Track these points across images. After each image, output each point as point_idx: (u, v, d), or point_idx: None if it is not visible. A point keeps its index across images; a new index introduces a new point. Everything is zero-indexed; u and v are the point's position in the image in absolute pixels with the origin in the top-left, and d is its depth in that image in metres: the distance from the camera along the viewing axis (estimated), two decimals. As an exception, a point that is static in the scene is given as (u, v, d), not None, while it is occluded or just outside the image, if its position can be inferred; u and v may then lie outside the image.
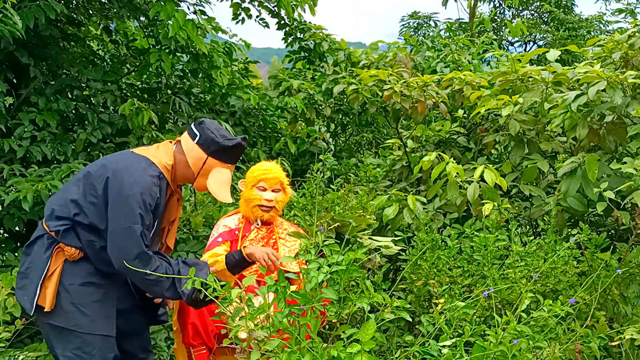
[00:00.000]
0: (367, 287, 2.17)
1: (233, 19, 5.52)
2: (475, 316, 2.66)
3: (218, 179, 2.49)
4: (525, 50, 13.20)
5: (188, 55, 4.73)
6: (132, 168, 2.38)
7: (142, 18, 4.69)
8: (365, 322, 2.07)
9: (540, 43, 13.07)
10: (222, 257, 2.75)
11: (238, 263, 2.70)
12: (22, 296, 2.41)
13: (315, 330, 2.12)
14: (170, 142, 2.57)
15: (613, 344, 2.49)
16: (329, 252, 2.18)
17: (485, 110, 3.61)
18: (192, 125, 2.52)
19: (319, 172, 3.60)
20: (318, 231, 2.37)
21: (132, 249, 2.29)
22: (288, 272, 2.55)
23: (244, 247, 2.79)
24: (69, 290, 2.39)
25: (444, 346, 2.12)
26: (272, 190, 3.05)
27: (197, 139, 2.48)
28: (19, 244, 4.06)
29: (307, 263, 2.20)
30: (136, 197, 2.31)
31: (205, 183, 2.49)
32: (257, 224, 3.08)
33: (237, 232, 3.04)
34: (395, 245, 3.46)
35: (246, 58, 5.96)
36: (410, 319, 2.19)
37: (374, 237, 3.34)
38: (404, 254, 3.26)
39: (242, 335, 2.24)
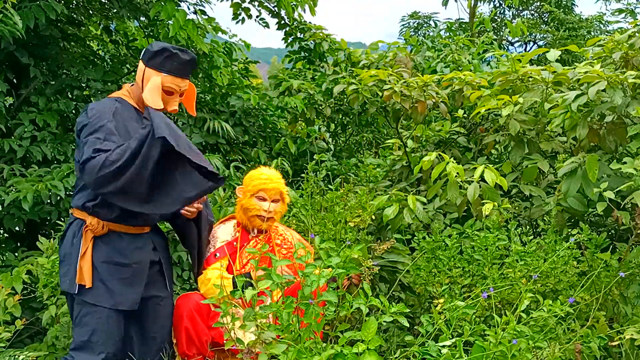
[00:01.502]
0: (366, 289, 2.17)
1: (233, 19, 5.52)
2: (475, 316, 2.66)
3: (150, 86, 2.58)
4: (525, 50, 13.20)
5: (188, 55, 4.72)
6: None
7: (142, 18, 4.70)
8: (366, 321, 2.07)
9: (541, 43, 13.07)
10: (229, 282, 2.78)
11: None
12: (65, 281, 2.55)
13: (319, 330, 2.12)
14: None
15: (613, 344, 2.49)
16: (326, 256, 2.17)
17: (485, 110, 3.61)
18: None
19: (314, 173, 3.59)
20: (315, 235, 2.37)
21: (86, 154, 2.36)
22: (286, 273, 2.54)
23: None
24: (97, 268, 2.52)
25: (443, 346, 2.12)
26: (272, 201, 2.96)
27: (142, 55, 2.69)
28: (19, 244, 4.06)
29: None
30: (83, 119, 2.49)
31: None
32: (254, 233, 3.01)
33: (235, 244, 2.96)
34: (394, 244, 3.45)
35: (246, 58, 5.96)
36: (408, 324, 2.18)
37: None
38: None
39: (251, 337, 2.23)
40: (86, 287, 2.49)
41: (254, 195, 2.94)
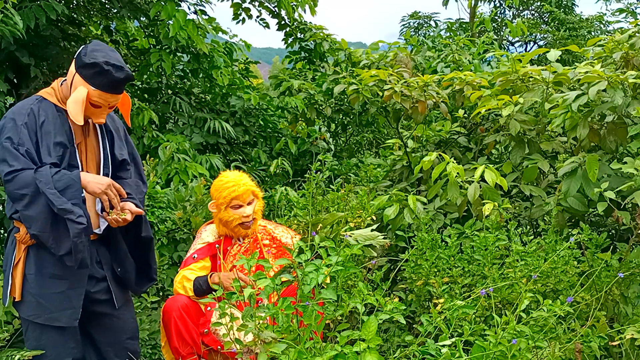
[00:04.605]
0: (361, 288, 2.17)
1: (233, 19, 5.53)
2: (475, 316, 2.65)
3: (75, 97, 2.33)
4: (525, 50, 13.21)
5: (188, 55, 4.74)
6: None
7: (142, 18, 4.70)
8: (366, 321, 2.07)
9: (541, 43, 13.07)
10: (190, 285, 2.75)
11: (206, 290, 2.70)
12: (4, 293, 2.43)
13: (319, 330, 2.11)
14: None
15: (613, 343, 2.49)
16: (325, 254, 2.17)
17: (485, 110, 3.61)
18: None
19: (317, 173, 3.58)
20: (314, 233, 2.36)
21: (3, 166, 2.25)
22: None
23: (210, 275, 2.74)
24: (28, 279, 2.37)
25: (443, 346, 2.12)
26: (248, 204, 2.86)
27: (75, 55, 2.43)
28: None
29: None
30: (1, 122, 2.34)
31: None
32: (240, 241, 2.94)
33: (217, 246, 2.88)
34: (395, 243, 3.45)
35: (246, 58, 5.97)
36: (405, 322, 2.18)
37: (355, 233, 3.04)
38: (403, 254, 3.26)
39: (249, 337, 2.22)
40: (16, 299, 2.36)
41: (229, 206, 2.84)
